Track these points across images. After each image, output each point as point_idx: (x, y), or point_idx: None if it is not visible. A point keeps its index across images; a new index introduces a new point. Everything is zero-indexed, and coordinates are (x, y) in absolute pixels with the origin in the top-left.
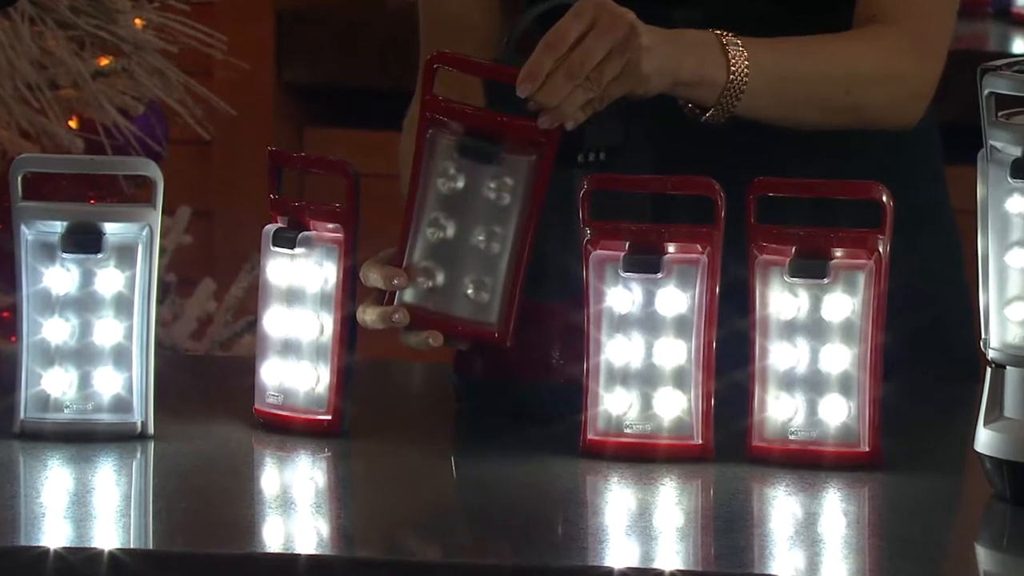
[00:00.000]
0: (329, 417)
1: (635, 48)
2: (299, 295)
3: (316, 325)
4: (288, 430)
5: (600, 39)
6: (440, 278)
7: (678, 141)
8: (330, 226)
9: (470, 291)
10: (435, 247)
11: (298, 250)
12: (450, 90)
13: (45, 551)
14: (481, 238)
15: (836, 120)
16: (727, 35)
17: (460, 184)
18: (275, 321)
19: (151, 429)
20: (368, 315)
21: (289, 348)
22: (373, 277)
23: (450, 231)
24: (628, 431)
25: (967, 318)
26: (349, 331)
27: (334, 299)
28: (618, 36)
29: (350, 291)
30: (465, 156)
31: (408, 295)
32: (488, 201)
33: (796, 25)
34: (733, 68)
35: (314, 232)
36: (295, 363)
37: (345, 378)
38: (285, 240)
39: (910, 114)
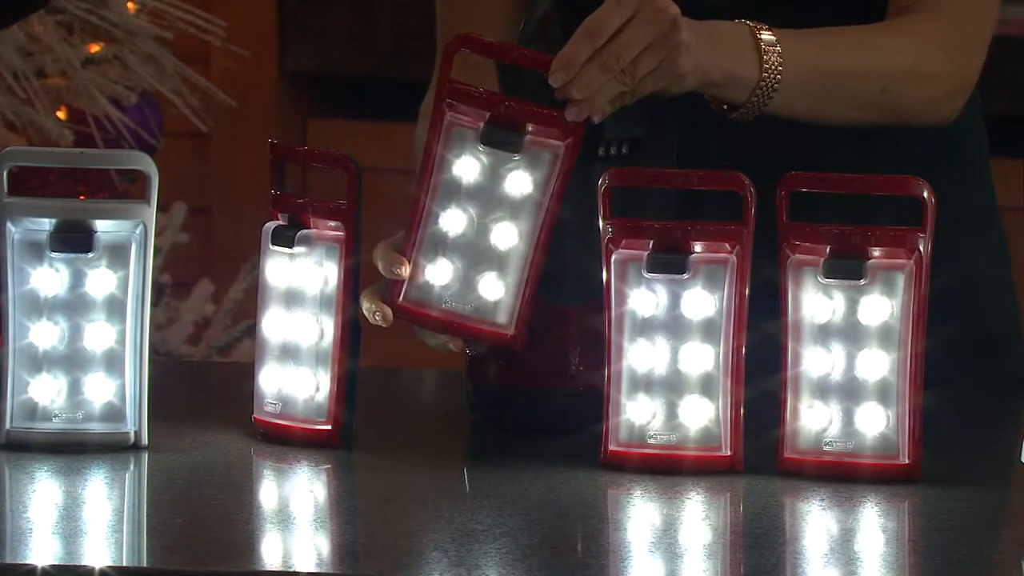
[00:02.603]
0: (329, 427)
1: (674, 45)
2: (298, 297)
3: (316, 329)
4: (288, 441)
5: (640, 31)
6: (450, 275)
7: (705, 133)
8: (331, 224)
9: (482, 290)
10: (446, 241)
11: (297, 249)
12: (464, 75)
13: (32, 569)
14: (496, 233)
15: (869, 118)
16: (762, 28)
17: (476, 175)
18: (274, 324)
19: (145, 439)
20: (363, 303)
21: (288, 353)
22: (380, 265)
23: (463, 225)
24: (652, 442)
25: (1014, 325)
26: (351, 336)
27: (335, 301)
28: (659, 30)
29: (352, 293)
30: (484, 146)
31: (415, 291)
32: (505, 194)
33: (827, 5)
34: (766, 67)
35: (314, 230)
36: (294, 369)
37: (347, 386)
38: (283, 238)
39: (947, 111)
